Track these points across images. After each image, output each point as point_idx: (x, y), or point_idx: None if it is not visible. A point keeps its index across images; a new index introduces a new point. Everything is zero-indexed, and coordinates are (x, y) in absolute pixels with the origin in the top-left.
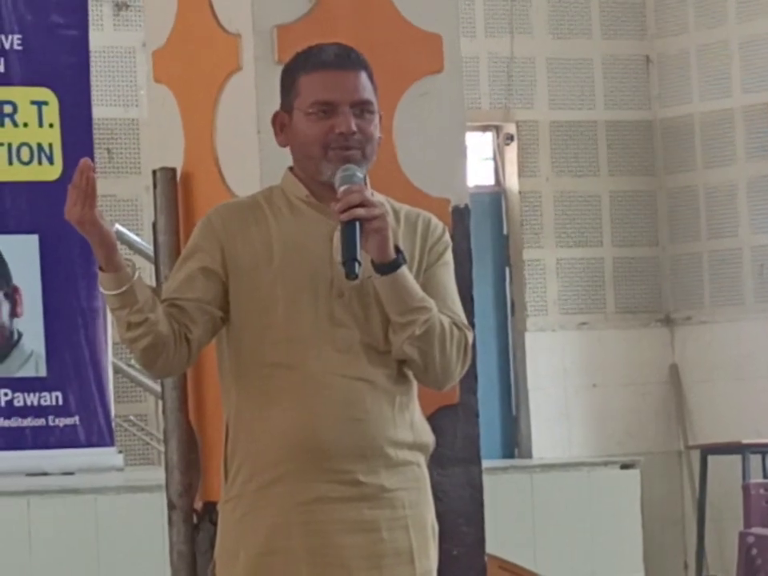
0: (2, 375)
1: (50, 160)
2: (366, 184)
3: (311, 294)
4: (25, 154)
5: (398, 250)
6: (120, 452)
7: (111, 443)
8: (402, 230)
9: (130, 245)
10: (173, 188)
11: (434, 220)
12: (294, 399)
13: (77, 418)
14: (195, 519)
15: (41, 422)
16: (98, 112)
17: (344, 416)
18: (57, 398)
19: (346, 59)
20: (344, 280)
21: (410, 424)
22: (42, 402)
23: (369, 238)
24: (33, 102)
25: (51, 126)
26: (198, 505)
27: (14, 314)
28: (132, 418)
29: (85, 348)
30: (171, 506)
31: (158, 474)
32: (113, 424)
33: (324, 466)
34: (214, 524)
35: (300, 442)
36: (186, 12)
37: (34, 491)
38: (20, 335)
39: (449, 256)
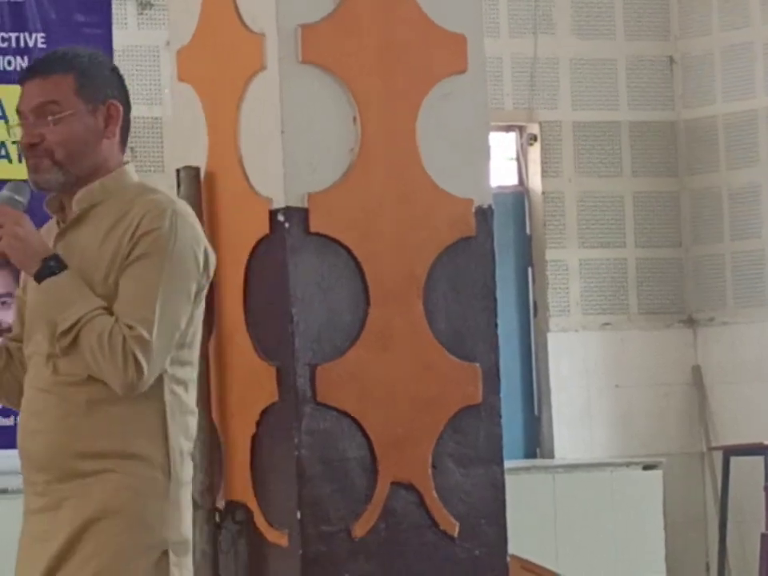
0: None
1: None
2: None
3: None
4: None
5: (51, 259)
6: None
7: None
8: (123, 226)
9: None
10: (196, 187)
11: (152, 212)
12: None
13: None
14: (218, 518)
15: None
16: None
17: (30, 428)
18: None
19: (30, 70)
20: None
21: (100, 431)
22: None
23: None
24: None
25: None
26: (221, 504)
27: None
28: None
29: None
30: (194, 506)
31: None
32: None
33: (28, 478)
34: (237, 523)
35: (20, 455)
36: (211, 11)
37: None
38: None
39: (147, 248)
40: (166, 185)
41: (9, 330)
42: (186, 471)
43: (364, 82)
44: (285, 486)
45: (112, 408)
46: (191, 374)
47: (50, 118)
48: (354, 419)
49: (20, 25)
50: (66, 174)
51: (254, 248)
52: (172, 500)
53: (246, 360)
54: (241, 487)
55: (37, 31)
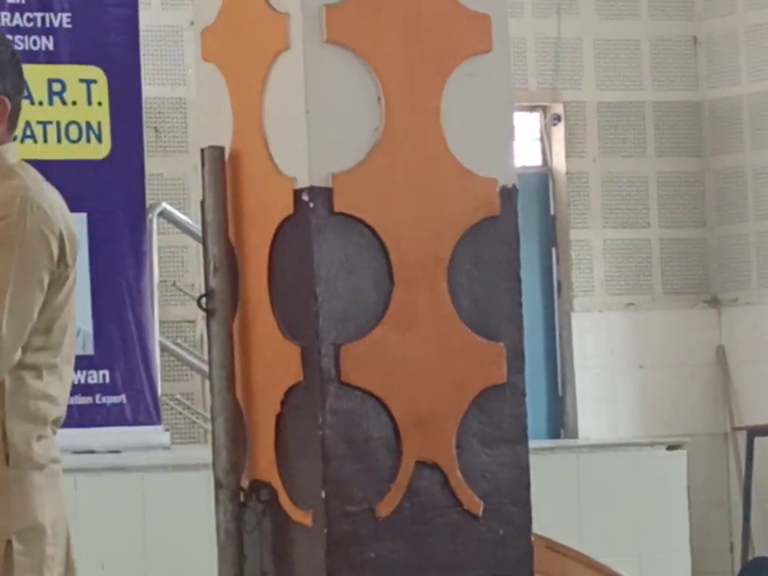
0: None
1: (99, 138)
2: None
3: None
4: (73, 132)
5: None
6: (166, 430)
7: (158, 421)
8: None
9: (177, 223)
10: (221, 167)
11: (1, 201)
12: None
13: (124, 396)
14: (242, 498)
15: (88, 399)
16: (146, 91)
17: None
18: (104, 376)
19: None
20: None
21: None
22: (90, 380)
23: None
24: (81, 81)
25: (100, 104)
26: (245, 483)
27: None
28: (179, 396)
29: (132, 326)
30: (218, 485)
31: (204, 453)
32: (159, 402)
33: None
34: (262, 502)
35: None
36: None
37: (81, 469)
38: None
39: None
40: (189, 165)
41: None
42: (38, 455)
43: (388, 61)
44: (309, 465)
45: None
46: (47, 358)
47: None
48: (378, 399)
49: (45, 4)
50: None
51: (279, 228)
52: (14, 488)
53: (271, 340)
54: (265, 466)
55: (63, 11)
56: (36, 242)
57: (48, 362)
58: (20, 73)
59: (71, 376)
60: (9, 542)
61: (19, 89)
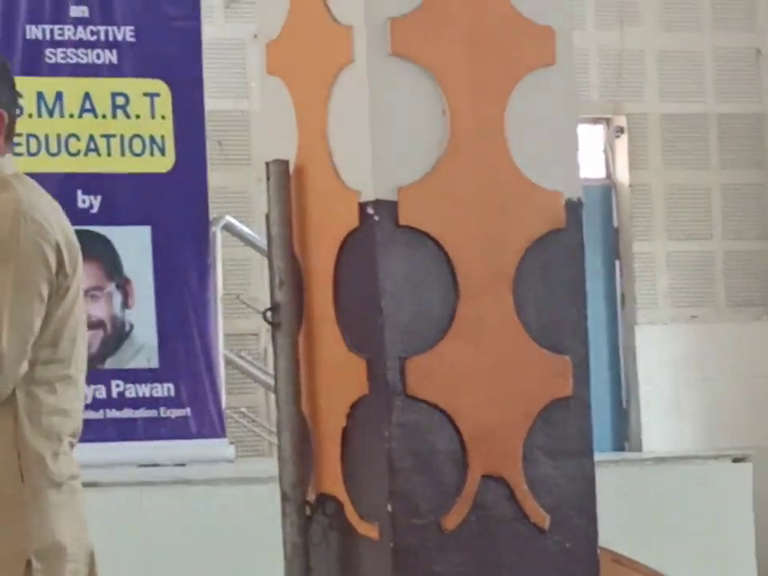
0: (114, 367)
1: (162, 152)
2: None
3: None
4: (137, 145)
5: None
6: (231, 443)
7: (222, 434)
8: None
9: (241, 236)
10: (286, 180)
11: None
12: None
13: (188, 409)
14: (308, 511)
15: (152, 413)
16: (209, 104)
17: None
18: (169, 389)
19: None
20: None
21: None
22: (154, 394)
23: None
24: (145, 94)
25: (163, 117)
26: (311, 497)
27: (125, 305)
28: (243, 409)
29: (196, 339)
30: (284, 498)
31: (268, 466)
32: (224, 415)
33: None
34: (328, 516)
35: None
36: (299, 4)
37: (146, 482)
38: (132, 327)
39: None
40: (253, 178)
41: (99, 324)
42: (53, 473)
43: (453, 74)
44: (375, 478)
45: None
46: (59, 371)
47: None
48: (444, 412)
49: (109, 18)
50: None
51: (344, 241)
52: (30, 507)
53: (336, 353)
54: (331, 480)
55: (126, 24)
56: (32, 253)
57: (60, 375)
58: (12, 84)
59: (84, 388)
60: (28, 563)
61: (14, 100)
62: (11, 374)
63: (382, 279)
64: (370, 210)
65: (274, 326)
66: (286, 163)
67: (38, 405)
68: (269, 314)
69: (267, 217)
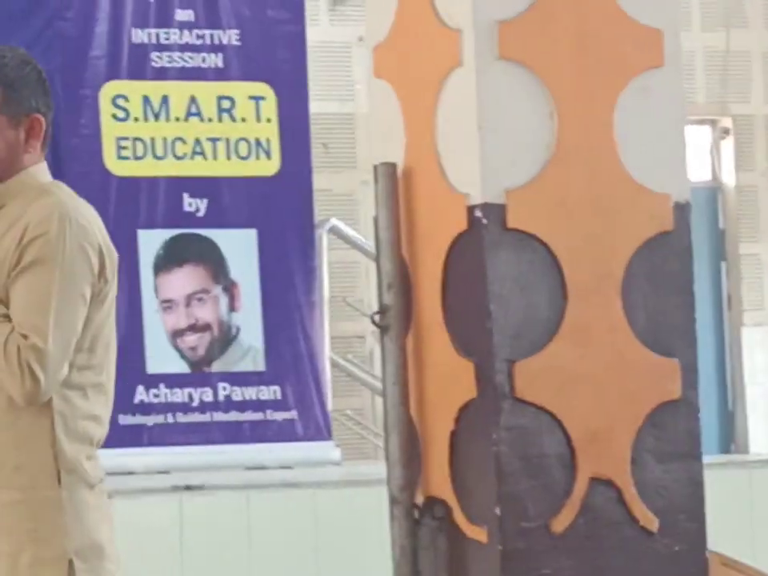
0: (221, 370)
1: (268, 155)
2: None
3: None
4: (243, 148)
5: None
6: (337, 446)
7: (329, 437)
8: (13, 232)
9: (347, 239)
10: (394, 183)
11: (39, 217)
12: None
13: (295, 412)
14: (417, 514)
15: (259, 416)
16: (314, 107)
17: None
18: (275, 392)
19: None
20: None
21: (13, 444)
22: (261, 396)
23: None
24: (250, 98)
25: (269, 120)
26: (419, 500)
27: (232, 308)
28: (349, 412)
29: (302, 342)
30: (393, 501)
31: (375, 469)
32: (330, 418)
33: None
34: (436, 519)
35: None
36: (407, 8)
37: (253, 485)
38: (238, 330)
39: (36, 254)
40: (358, 180)
41: (205, 327)
42: (88, 474)
43: (560, 77)
44: (484, 481)
45: (2, 418)
46: (92, 377)
47: None
48: (552, 415)
49: (214, 22)
50: None
51: (452, 244)
52: (68, 508)
53: (444, 356)
54: (439, 483)
55: (231, 28)
56: (76, 256)
57: (93, 381)
58: (47, 90)
59: (113, 397)
60: (70, 562)
61: (50, 106)
62: (56, 375)
63: (491, 282)
64: (479, 214)
65: (383, 329)
66: (393, 166)
67: (72, 409)
68: (377, 317)
69: (375, 220)
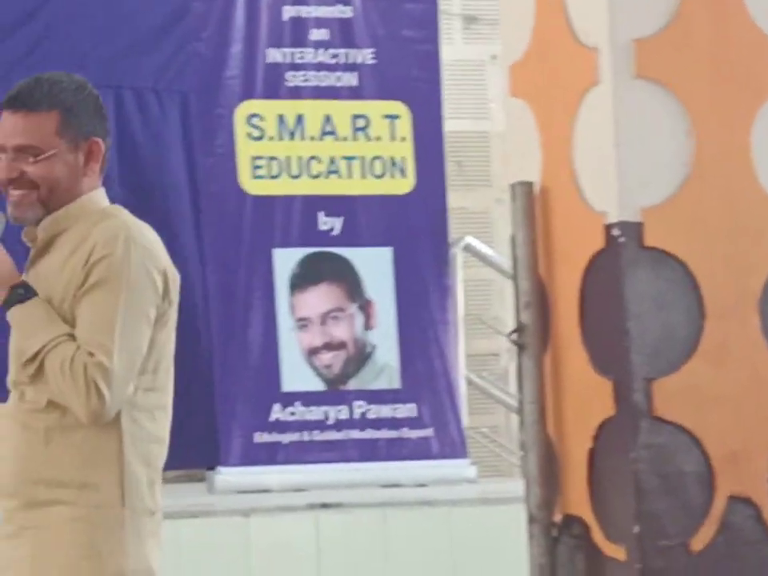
0: (357, 387)
1: (403, 173)
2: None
3: None
4: (378, 167)
5: (19, 287)
6: (473, 464)
7: (464, 455)
8: (79, 253)
9: (482, 257)
10: (531, 202)
11: (104, 239)
12: None
13: (431, 429)
14: (555, 532)
15: (394, 433)
16: (448, 125)
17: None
18: (411, 409)
19: (14, 100)
20: None
21: (57, 460)
22: (397, 414)
23: None
24: (385, 116)
25: (404, 139)
26: (558, 518)
27: (367, 326)
28: (484, 429)
29: (437, 360)
30: (531, 519)
31: (510, 486)
32: (465, 436)
33: (1, 504)
34: (574, 537)
35: None
36: (543, 26)
37: (389, 503)
38: (373, 348)
39: (101, 275)
40: (492, 198)
41: (341, 345)
42: (149, 500)
43: (697, 95)
44: (622, 500)
45: (69, 436)
46: (157, 400)
47: (30, 159)
48: (690, 433)
49: (349, 41)
50: (46, 210)
51: (589, 263)
52: (129, 529)
53: (582, 374)
54: (577, 501)
55: (366, 47)
56: (141, 277)
57: (158, 404)
58: (105, 115)
59: (171, 417)
60: None
61: (107, 131)
62: (121, 394)
63: (628, 301)
64: (616, 232)
65: (520, 347)
66: (530, 185)
67: (140, 431)
68: (514, 335)
69: (512, 238)
